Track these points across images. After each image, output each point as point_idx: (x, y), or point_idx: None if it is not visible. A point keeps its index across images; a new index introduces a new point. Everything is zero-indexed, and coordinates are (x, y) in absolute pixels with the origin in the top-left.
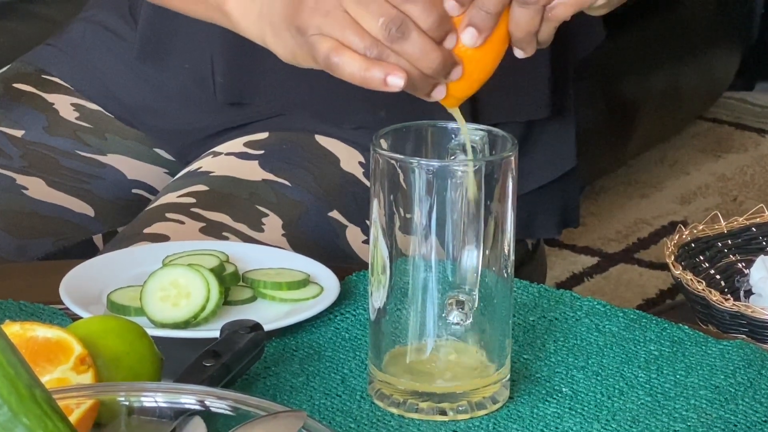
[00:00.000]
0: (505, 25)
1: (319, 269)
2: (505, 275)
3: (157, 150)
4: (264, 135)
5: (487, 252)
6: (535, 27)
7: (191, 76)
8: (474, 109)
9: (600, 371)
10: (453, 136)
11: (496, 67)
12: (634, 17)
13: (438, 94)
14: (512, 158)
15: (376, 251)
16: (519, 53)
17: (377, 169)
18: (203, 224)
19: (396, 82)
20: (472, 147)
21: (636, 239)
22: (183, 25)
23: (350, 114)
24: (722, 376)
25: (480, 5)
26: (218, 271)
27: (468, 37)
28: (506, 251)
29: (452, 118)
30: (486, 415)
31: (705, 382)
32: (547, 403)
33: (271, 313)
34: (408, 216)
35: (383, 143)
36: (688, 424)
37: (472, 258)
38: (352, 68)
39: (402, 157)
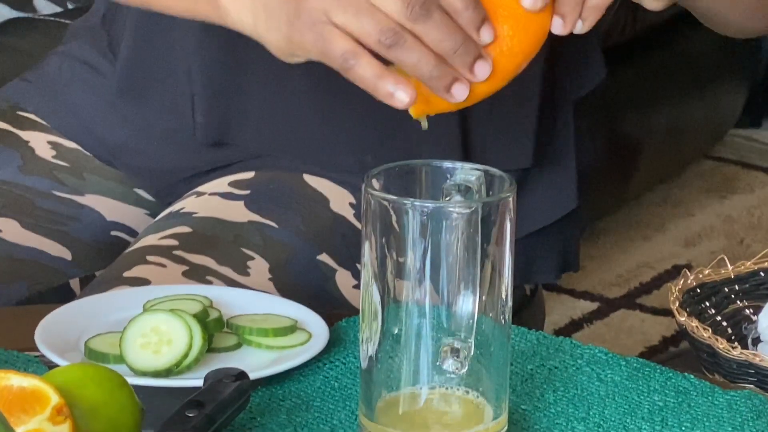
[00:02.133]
0: (531, 44)
1: (308, 315)
2: (503, 322)
3: (138, 190)
4: (250, 174)
5: (483, 297)
6: None
7: (173, 114)
8: (465, 150)
9: (602, 423)
10: (448, 176)
11: (506, 82)
12: (636, 52)
13: (460, 93)
14: (510, 199)
15: (368, 296)
16: (557, 26)
17: (369, 210)
18: (186, 267)
19: (401, 97)
20: (468, 187)
21: (638, 284)
22: (164, 61)
23: (334, 157)
24: (730, 429)
25: None
26: (201, 317)
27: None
28: (504, 296)
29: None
30: None
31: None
32: None
33: (257, 361)
34: (401, 259)
35: (375, 183)
36: None
37: (468, 304)
38: (365, 73)
39: (395, 197)
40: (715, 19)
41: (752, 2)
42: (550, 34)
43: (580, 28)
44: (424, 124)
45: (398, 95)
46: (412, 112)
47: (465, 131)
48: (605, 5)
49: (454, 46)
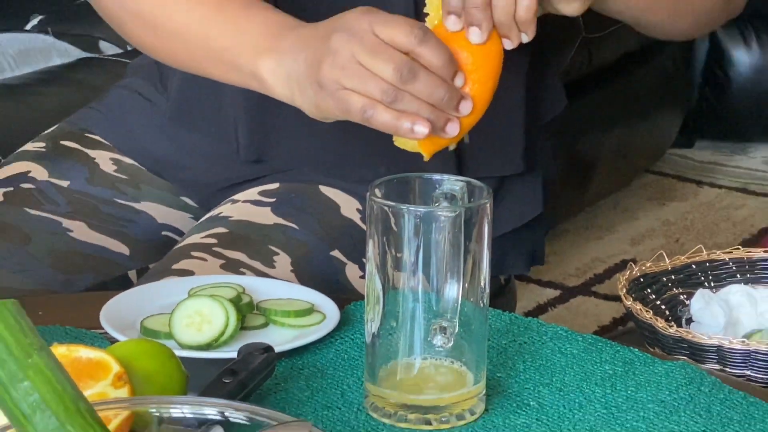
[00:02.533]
0: (493, 71)
1: (322, 300)
2: (482, 305)
3: (184, 198)
4: (275, 185)
5: (466, 285)
6: (512, 5)
7: (217, 138)
8: (460, 164)
9: (562, 387)
10: (437, 186)
11: (485, 108)
12: (591, 86)
13: (453, 129)
14: (487, 205)
15: (371, 285)
16: (507, 43)
17: (372, 214)
18: (223, 261)
19: (420, 129)
20: (453, 194)
21: (592, 275)
22: (210, 94)
23: (354, 169)
24: (667, 392)
25: (469, 4)
26: (236, 301)
27: (474, 35)
28: (482, 285)
29: (437, 171)
30: (465, 425)
31: (652, 397)
32: (517, 414)
33: (281, 337)
34: (398, 255)
35: (378, 192)
36: (638, 431)
37: (453, 290)
38: (384, 119)
39: (394, 204)
40: (640, 24)
41: (669, 6)
42: (513, 59)
43: (526, 38)
44: (426, 158)
45: (417, 129)
46: (423, 151)
47: (458, 147)
48: (533, 15)
49: (441, 96)
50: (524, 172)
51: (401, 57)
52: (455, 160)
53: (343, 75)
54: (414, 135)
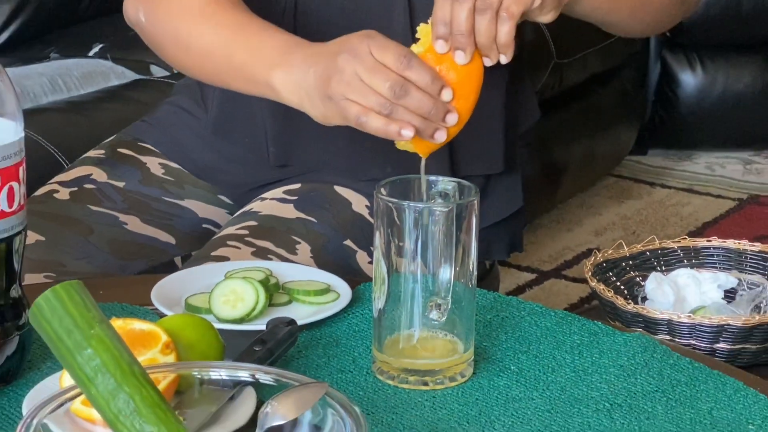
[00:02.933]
0: (475, 87)
1: (337, 281)
2: (470, 286)
3: (221, 196)
4: (297, 186)
5: (457, 269)
6: (493, 31)
7: (250, 147)
8: (452, 165)
9: (538, 354)
10: (433, 186)
11: (468, 118)
12: (561, 103)
13: (440, 137)
14: (475, 202)
15: (378, 268)
16: (487, 61)
17: (379, 209)
18: (254, 249)
19: (406, 133)
20: (446, 193)
21: (563, 261)
22: (244, 110)
23: (366, 169)
24: (625, 358)
25: (455, 31)
26: (264, 283)
27: (459, 58)
28: (471, 269)
29: (433, 173)
30: (456, 385)
31: (613, 363)
32: (499, 377)
33: (302, 313)
34: (401, 243)
35: (383, 191)
36: (601, 392)
37: (446, 273)
38: (376, 125)
39: (397, 200)
40: (604, 24)
41: (629, 7)
42: (494, 79)
43: (504, 59)
44: (424, 157)
45: (404, 133)
46: (419, 152)
47: (451, 150)
48: (511, 39)
49: (429, 109)
50: (506, 173)
51: (395, 77)
52: (449, 161)
53: (348, 89)
54: (401, 137)
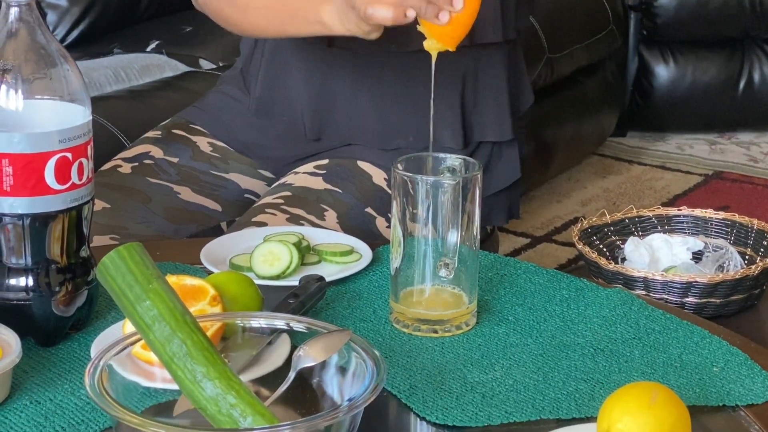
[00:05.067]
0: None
1: (360, 244)
2: (474, 248)
3: (260, 170)
4: (326, 161)
5: (462, 233)
6: None
7: (288, 124)
8: (466, 133)
9: (532, 306)
10: (442, 162)
11: (472, 21)
12: (552, 91)
13: (444, 17)
14: (478, 176)
15: (395, 233)
16: None
17: (395, 182)
18: (288, 216)
19: (411, 14)
20: (454, 168)
21: (553, 228)
22: (283, 93)
23: (391, 139)
24: (607, 310)
25: None
26: (297, 245)
27: None
28: (474, 233)
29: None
30: (461, 333)
31: (596, 314)
32: (499, 326)
33: (330, 270)
34: (414, 211)
35: (400, 166)
36: (586, 339)
37: (453, 237)
38: (383, 13)
39: (411, 174)
40: None
41: None
42: (502, 68)
43: None
44: (434, 56)
45: (409, 14)
46: (447, 45)
47: (463, 119)
48: None
49: None
50: (506, 148)
51: None
52: (462, 129)
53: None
54: (406, 19)
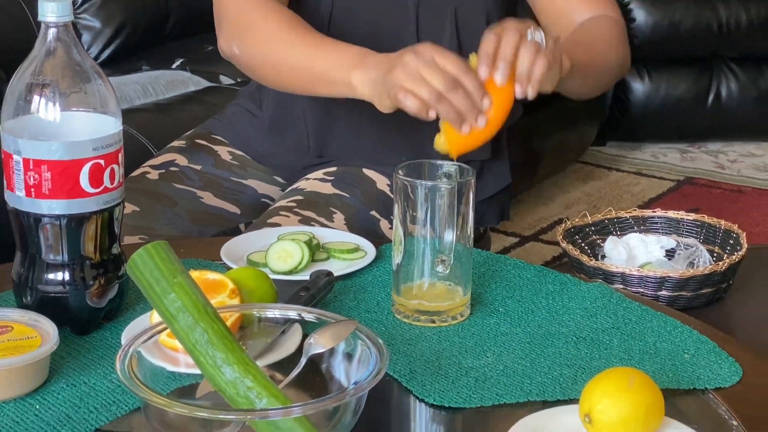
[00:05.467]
0: (504, 108)
1: (364, 242)
2: (468, 246)
3: (275, 177)
4: (334, 168)
5: (458, 233)
6: (531, 63)
7: (295, 141)
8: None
9: (519, 299)
10: (439, 168)
11: (496, 132)
12: (539, 105)
13: (466, 130)
14: (472, 181)
15: (396, 233)
16: (517, 90)
17: (397, 186)
18: (300, 217)
19: (432, 114)
20: (450, 174)
21: (539, 228)
22: (291, 113)
23: (387, 157)
24: (588, 302)
25: (501, 57)
26: (308, 243)
27: (498, 77)
28: (468, 233)
29: (439, 158)
30: (457, 323)
31: (579, 306)
32: (490, 317)
33: (337, 266)
34: (414, 213)
35: (401, 172)
36: (570, 328)
37: (449, 237)
38: (411, 104)
39: (411, 179)
40: (570, 94)
41: (591, 83)
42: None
43: (531, 93)
44: (455, 158)
45: (431, 115)
46: (451, 152)
47: None
48: (541, 77)
49: (467, 108)
50: (496, 159)
51: (451, 76)
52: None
53: (407, 79)
54: (427, 117)
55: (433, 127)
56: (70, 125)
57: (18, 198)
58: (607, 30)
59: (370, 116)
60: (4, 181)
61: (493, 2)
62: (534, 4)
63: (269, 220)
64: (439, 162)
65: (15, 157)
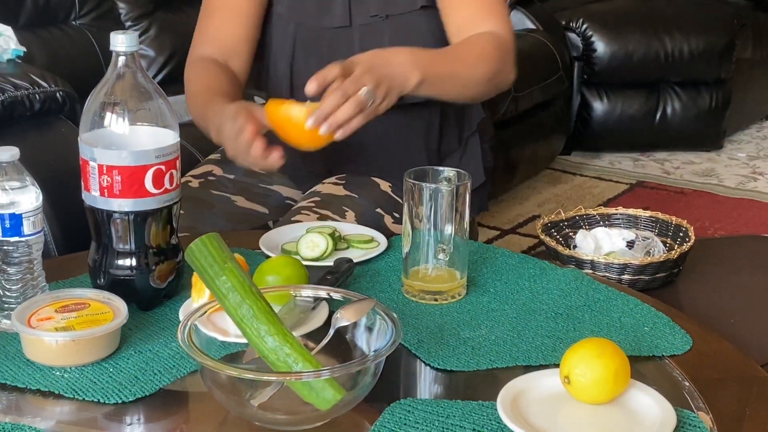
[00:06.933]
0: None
1: (378, 235)
2: (464, 238)
3: (296, 183)
4: (344, 175)
5: (456, 227)
6: (350, 119)
7: (307, 160)
8: (441, 162)
9: (506, 282)
10: (440, 174)
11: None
12: (516, 121)
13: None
14: (468, 184)
15: (405, 226)
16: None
17: (406, 188)
18: (318, 216)
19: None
20: (449, 178)
21: (517, 223)
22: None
23: (393, 168)
24: (563, 284)
25: (324, 112)
26: (332, 235)
27: (322, 130)
28: (465, 227)
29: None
30: (455, 301)
31: (556, 287)
32: (482, 296)
33: (356, 254)
34: (419, 210)
35: (409, 176)
36: (549, 306)
37: (449, 230)
38: (231, 154)
39: (417, 182)
40: (441, 99)
41: (454, 92)
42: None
43: (339, 136)
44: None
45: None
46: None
47: (428, 150)
48: (355, 128)
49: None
50: (468, 164)
51: (241, 140)
52: (437, 161)
53: (225, 143)
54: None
55: (420, 144)
56: (136, 137)
57: (93, 197)
58: (483, 45)
59: (372, 136)
60: (82, 183)
61: (427, 31)
62: (444, 17)
63: (292, 219)
64: (441, 168)
65: (91, 163)
